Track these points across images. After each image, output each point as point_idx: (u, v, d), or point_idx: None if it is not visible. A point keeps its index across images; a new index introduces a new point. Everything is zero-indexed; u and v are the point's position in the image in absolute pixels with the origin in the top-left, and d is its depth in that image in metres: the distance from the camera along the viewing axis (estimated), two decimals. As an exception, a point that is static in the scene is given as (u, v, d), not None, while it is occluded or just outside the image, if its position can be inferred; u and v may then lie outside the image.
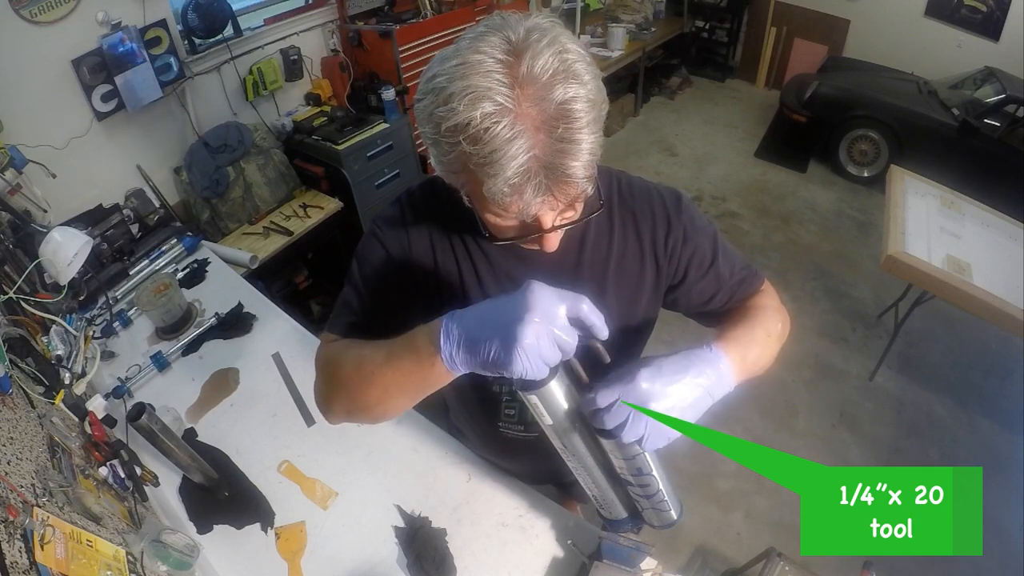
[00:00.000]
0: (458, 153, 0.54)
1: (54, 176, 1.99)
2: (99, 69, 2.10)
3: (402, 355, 0.62)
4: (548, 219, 0.61)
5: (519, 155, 0.52)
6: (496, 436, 0.96)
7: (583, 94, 0.54)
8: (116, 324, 1.57)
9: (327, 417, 0.75)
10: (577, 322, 0.56)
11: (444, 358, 0.57)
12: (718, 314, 0.86)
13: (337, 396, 0.71)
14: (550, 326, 0.53)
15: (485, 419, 0.96)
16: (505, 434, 0.95)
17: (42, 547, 0.65)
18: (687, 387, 0.61)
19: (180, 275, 1.76)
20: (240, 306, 1.59)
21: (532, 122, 0.52)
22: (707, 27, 5.54)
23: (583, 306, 0.56)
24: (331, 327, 0.79)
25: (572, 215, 0.64)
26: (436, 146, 0.57)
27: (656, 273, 0.81)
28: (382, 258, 0.78)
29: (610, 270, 0.79)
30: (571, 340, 0.55)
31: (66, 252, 1.37)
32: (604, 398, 0.59)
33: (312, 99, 2.97)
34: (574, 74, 0.54)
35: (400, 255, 0.78)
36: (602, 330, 0.57)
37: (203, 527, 1.09)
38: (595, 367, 0.62)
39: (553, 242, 0.65)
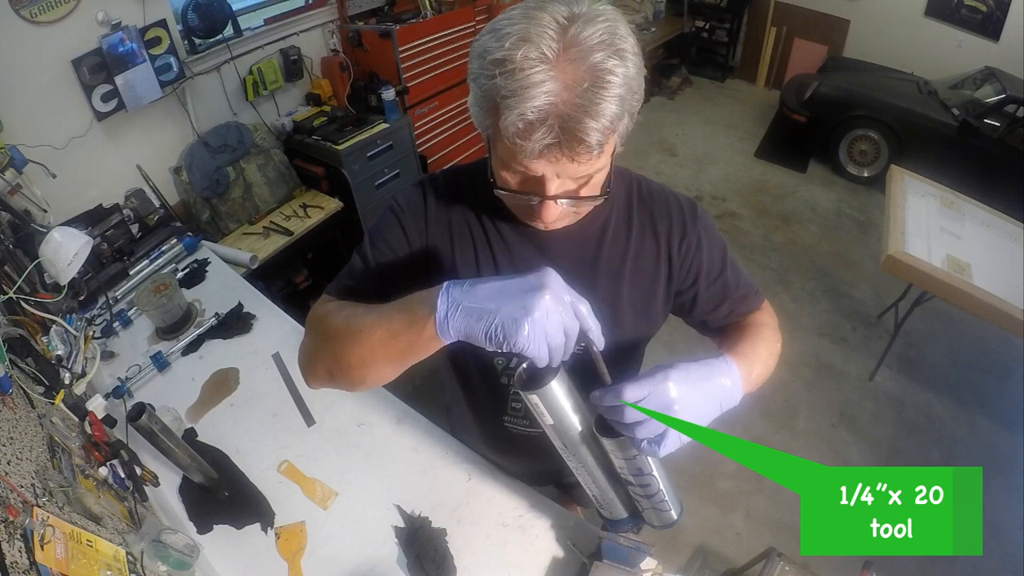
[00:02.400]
0: (491, 85, 0.57)
1: (54, 176, 1.99)
2: (99, 69, 2.10)
3: (394, 315, 0.62)
4: (552, 185, 0.63)
5: (540, 96, 0.55)
6: (501, 431, 0.96)
7: (620, 71, 0.57)
8: (116, 324, 1.57)
9: (308, 379, 0.74)
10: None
11: (437, 320, 0.56)
12: (719, 326, 0.88)
13: (322, 354, 0.70)
14: (559, 307, 0.54)
15: (491, 414, 0.96)
16: (510, 429, 0.95)
17: (42, 547, 0.65)
18: (705, 395, 0.62)
19: (180, 275, 1.75)
20: (240, 306, 1.59)
21: (564, 78, 0.56)
22: (707, 27, 5.54)
23: (582, 307, 0.57)
24: (330, 290, 0.79)
25: (574, 188, 0.65)
26: (476, 81, 0.61)
27: (669, 274, 0.83)
28: (398, 235, 0.79)
29: (627, 267, 0.81)
30: (574, 325, 0.56)
31: (66, 252, 1.36)
32: (632, 392, 0.59)
33: (312, 99, 2.97)
34: (618, 51, 0.57)
35: (417, 235, 0.79)
36: (599, 337, 0.58)
37: (203, 527, 1.09)
38: (589, 382, 0.62)
39: (551, 213, 0.66)
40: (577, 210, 0.71)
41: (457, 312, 0.56)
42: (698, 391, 0.61)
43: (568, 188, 0.64)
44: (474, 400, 0.98)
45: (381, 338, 0.62)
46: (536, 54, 0.55)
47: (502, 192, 0.67)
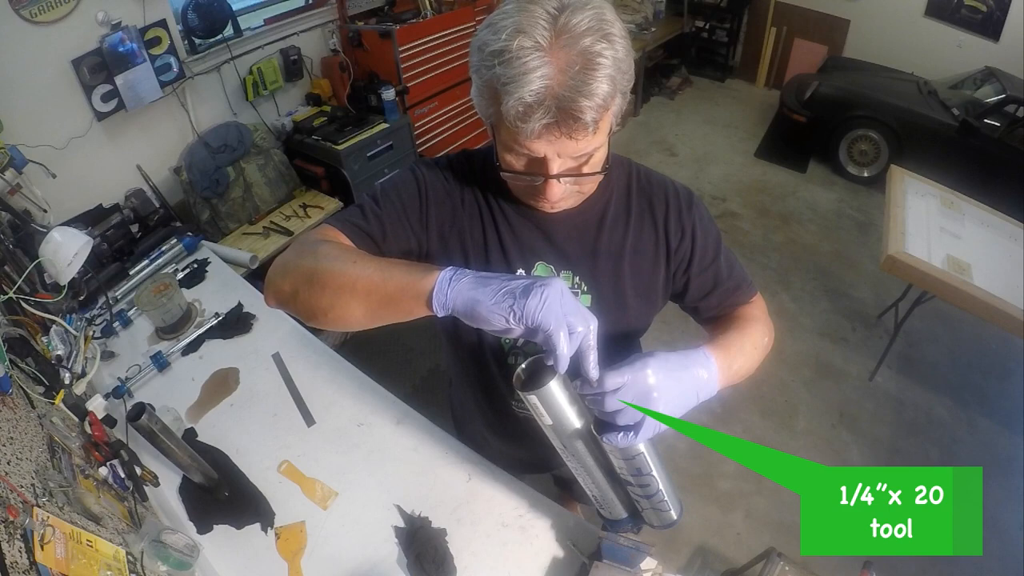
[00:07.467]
0: (491, 75, 0.62)
1: (54, 176, 1.99)
2: (99, 69, 2.10)
3: (397, 263, 0.66)
4: (554, 165, 0.66)
5: (536, 80, 0.59)
6: (509, 415, 0.97)
7: (608, 54, 0.61)
8: (116, 324, 1.57)
9: (269, 293, 0.74)
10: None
11: (440, 277, 0.59)
12: (710, 315, 0.90)
13: (300, 270, 0.69)
14: (572, 296, 0.57)
15: (501, 397, 0.96)
16: (519, 413, 0.95)
17: (42, 547, 0.65)
18: (683, 384, 0.64)
19: (180, 275, 1.75)
20: (240, 306, 1.59)
21: (557, 62, 0.60)
22: (707, 27, 5.53)
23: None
24: (333, 221, 0.79)
25: (575, 167, 0.68)
26: (477, 72, 0.65)
27: (667, 259, 0.85)
28: (413, 193, 0.81)
29: (626, 251, 0.83)
30: (588, 317, 0.57)
31: (66, 252, 1.36)
32: (613, 379, 0.60)
33: (312, 99, 2.98)
34: (606, 35, 0.61)
35: (434, 202, 0.82)
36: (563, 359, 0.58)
37: (203, 527, 1.09)
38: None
39: (555, 192, 0.69)
40: (580, 189, 0.74)
41: (464, 278, 0.58)
42: (676, 380, 0.63)
43: (569, 167, 0.67)
44: (485, 382, 0.97)
45: (371, 275, 0.64)
46: (531, 43, 0.59)
47: (508, 174, 0.70)
